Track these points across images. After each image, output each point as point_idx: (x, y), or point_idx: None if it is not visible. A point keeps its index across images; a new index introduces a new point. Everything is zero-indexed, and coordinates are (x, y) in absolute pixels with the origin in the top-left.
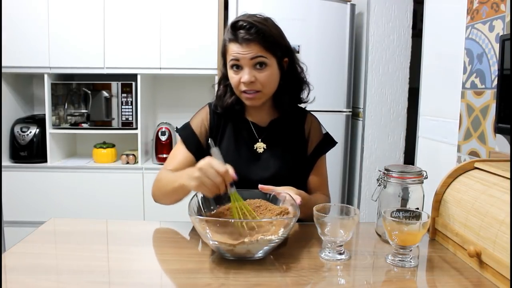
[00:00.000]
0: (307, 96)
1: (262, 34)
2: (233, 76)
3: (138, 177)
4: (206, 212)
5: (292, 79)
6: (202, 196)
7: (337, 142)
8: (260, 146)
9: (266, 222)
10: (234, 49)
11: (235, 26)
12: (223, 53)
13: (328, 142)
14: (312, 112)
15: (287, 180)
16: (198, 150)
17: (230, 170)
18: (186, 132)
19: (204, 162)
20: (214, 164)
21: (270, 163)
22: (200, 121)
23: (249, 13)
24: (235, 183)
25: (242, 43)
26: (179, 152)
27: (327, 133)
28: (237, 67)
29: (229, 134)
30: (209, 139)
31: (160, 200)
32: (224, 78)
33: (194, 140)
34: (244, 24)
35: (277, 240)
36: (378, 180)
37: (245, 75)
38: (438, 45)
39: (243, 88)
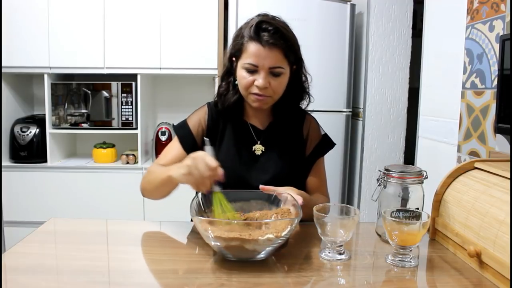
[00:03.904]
0: (306, 106)
1: (286, 41)
2: (244, 76)
3: (138, 177)
4: (207, 212)
5: (295, 87)
6: (203, 196)
7: (335, 144)
8: (258, 148)
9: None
10: (254, 50)
11: (260, 27)
12: (238, 49)
13: (326, 143)
14: (312, 113)
15: (286, 181)
16: (193, 149)
17: (220, 170)
18: (183, 131)
19: (198, 154)
20: (207, 158)
21: (268, 165)
22: (197, 120)
23: (269, 13)
24: (233, 186)
25: (265, 46)
26: (173, 148)
27: (325, 134)
28: (253, 70)
29: (229, 135)
30: (204, 138)
31: (148, 193)
32: (227, 74)
33: (190, 139)
34: (270, 28)
35: (279, 241)
36: (378, 180)
37: (261, 80)
38: (438, 45)
39: (254, 90)
